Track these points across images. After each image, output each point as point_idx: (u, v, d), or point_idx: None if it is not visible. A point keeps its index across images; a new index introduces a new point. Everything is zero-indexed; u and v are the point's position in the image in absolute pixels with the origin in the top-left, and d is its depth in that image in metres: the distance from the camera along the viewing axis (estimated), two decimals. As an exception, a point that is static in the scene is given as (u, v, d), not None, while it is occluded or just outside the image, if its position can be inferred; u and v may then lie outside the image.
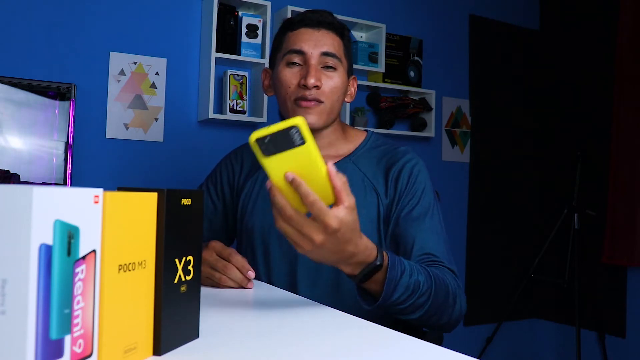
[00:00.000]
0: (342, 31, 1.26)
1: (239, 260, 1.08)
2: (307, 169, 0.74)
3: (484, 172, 3.14)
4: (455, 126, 3.03)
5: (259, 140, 0.72)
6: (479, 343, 3.04)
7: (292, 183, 0.74)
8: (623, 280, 2.87)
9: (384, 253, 0.90)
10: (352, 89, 1.33)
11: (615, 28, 2.88)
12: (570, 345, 3.04)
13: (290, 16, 2.35)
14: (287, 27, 1.26)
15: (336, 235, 0.77)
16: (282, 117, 1.31)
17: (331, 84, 1.21)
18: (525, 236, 3.28)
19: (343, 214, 0.77)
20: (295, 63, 1.22)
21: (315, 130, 1.24)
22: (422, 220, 1.16)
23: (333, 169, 0.75)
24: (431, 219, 1.17)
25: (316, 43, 1.21)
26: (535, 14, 3.36)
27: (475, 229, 3.10)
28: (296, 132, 0.71)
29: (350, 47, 1.29)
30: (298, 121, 0.70)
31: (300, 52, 1.21)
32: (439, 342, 1.18)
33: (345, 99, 1.30)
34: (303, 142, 0.71)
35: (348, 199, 0.77)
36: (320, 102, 1.20)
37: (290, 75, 1.22)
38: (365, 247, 0.85)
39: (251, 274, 1.07)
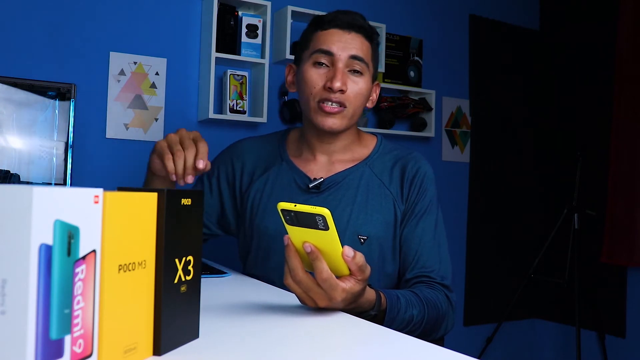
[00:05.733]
0: (371, 35, 1.26)
1: (203, 147, 1.04)
2: (325, 246, 0.80)
3: (484, 172, 3.14)
4: (455, 126, 3.03)
5: (284, 211, 0.78)
6: (479, 343, 3.04)
7: (310, 255, 0.79)
8: (623, 280, 2.86)
9: (383, 297, 0.98)
10: (375, 95, 1.32)
11: (615, 28, 2.88)
12: (570, 345, 3.04)
13: (289, 16, 2.36)
14: (317, 25, 1.25)
15: (339, 301, 0.83)
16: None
17: (356, 89, 1.21)
18: (525, 236, 3.28)
19: (352, 284, 0.83)
20: (323, 63, 1.21)
21: (334, 134, 1.25)
22: (427, 232, 1.21)
23: (349, 254, 0.80)
24: (435, 229, 1.22)
25: (345, 45, 1.20)
26: (535, 14, 3.36)
27: (475, 229, 3.10)
28: (321, 219, 0.76)
29: (377, 53, 1.29)
30: (325, 212, 0.76)
31: (329, 53, 1.20)
32: (440, 342, 1.18)
33: (367, 105, 1.29)
34: (327, 229, 0.77)
35: (362, 275, 0.83)
36: (344, 107, 1.20)
37: (316, 76, 1.21)
38: (366, 300, 0.91)
39: (201, 163, 1.02)
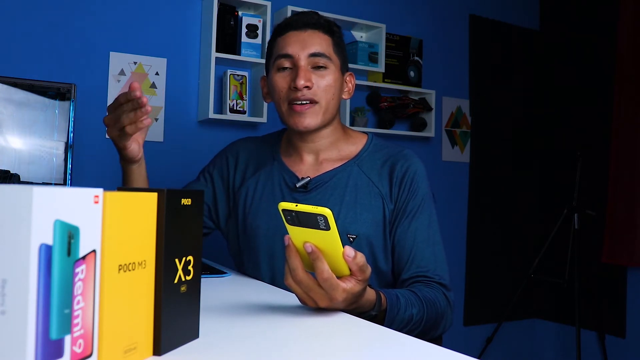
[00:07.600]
0: (330, 28, 1.26)
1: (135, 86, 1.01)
2: (326, 246, 0.80)
3: (484, 172, 3.14)
4: (455, 126, 3.03)
5: (285, 211, 0.79)
6: (479, 343, 3.04)
7: (311, 255, 0.79)
8: (623, 280, 2.86)
9: (383, 297, 0.97)
10: (350, 85, 1.33)
11: (615, 28, 2.88)
12: (570, 345, 3.04)
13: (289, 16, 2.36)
14: (276, 33, 1.28)
15: (340, 302, 0.83)
16: (281, 121, 1.32)
17: (324, 82, 1.22)
18: (525, 236, 3.28)
19: (352, 285, 0.83)
20: (286, 67, 1.23)
21: (314, 131, 1.25)
22: (420, 231, 1.20)
23: (350, 255, 0.80)
24: (428, 228, 1.21)
25: (303, 45, 1.22)
26: (535, 14, 3.36)
27: (475, 229, 3.10)
28: (323, 219, 0.77)
29: (341, 44, 1.29)
30: (326, 212, 0.76)
31: (289, 56, 1.22)
32: (438, 342, 1.18)
33: (343, 96, 1.30)
34: (328, 229, 0.77)
35: (363, 275, 0.83)
36: (315, 102, 1.21)
37: (281, 80, 1.23)
38: (367, 300, 0.91)
39: (137, 92, 1.00)
